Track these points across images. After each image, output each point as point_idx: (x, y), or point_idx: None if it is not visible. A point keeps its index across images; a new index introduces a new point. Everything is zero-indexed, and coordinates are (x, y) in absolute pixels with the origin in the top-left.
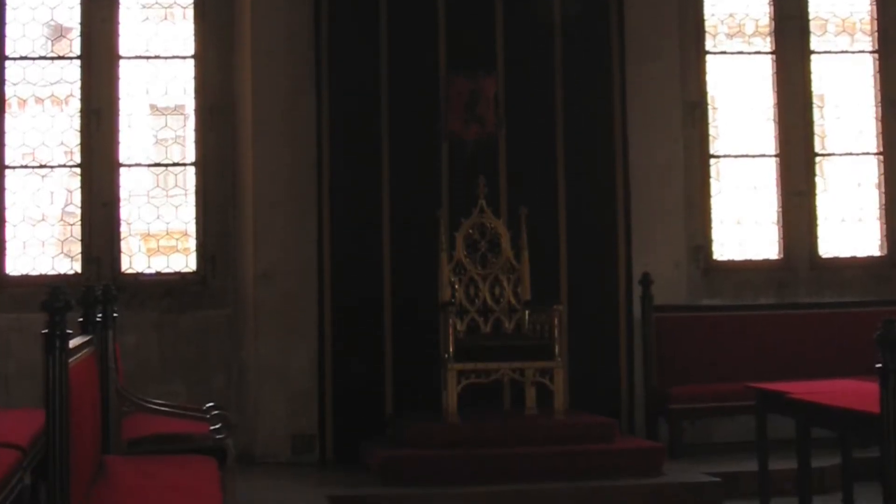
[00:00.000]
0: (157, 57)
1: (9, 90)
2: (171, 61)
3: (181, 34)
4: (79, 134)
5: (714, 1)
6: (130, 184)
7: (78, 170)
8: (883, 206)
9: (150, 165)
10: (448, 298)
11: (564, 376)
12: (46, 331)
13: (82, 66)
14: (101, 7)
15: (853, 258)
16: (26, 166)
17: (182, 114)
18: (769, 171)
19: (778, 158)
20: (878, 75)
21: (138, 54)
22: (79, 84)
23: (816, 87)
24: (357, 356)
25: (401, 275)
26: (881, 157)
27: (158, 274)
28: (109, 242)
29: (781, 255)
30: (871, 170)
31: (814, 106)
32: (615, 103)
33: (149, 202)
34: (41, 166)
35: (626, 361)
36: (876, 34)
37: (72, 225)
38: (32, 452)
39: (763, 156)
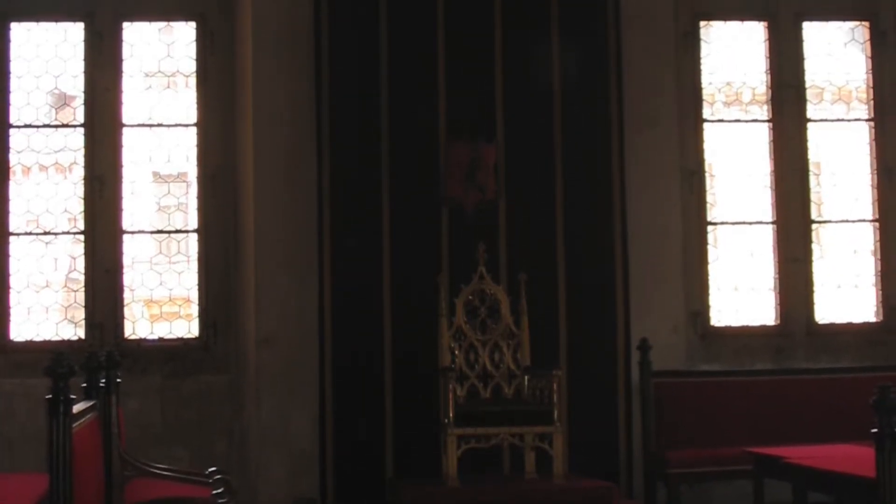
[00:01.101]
0: (159, 125)
1: (13, 158)
2: (173, 129)
3: (184, 102)
4: (82, 201)
5: (712, 69)
6: (133, 250)
7: (81, 236)
8: (878, 273)
9: (152, 232)
10: (448, 364)
11: (564, 441)
12: (50, 396)
13: (86, 134)
14: (105, 76)
15: (849, 324)
16: (30, 233)
17: (184, 181)
18: (766, 237)
19: (775, 225)
20: (873, 143)
21: (141, 122)
22: (82, 151)
23: (813, 154)
24: (358, 420)
25: (401, 340)
26: (877, 224)
27: (161, 339)
28: (113, 308)
29: (778, 321)
30: (866, 237)
31: (810, 173)
32: (614, 170)
33: (152, 268)
34: (45, 233)
35: (625, 426)
36: (872, 102)
37: (75, 291)
38: None
39: (760, 223)
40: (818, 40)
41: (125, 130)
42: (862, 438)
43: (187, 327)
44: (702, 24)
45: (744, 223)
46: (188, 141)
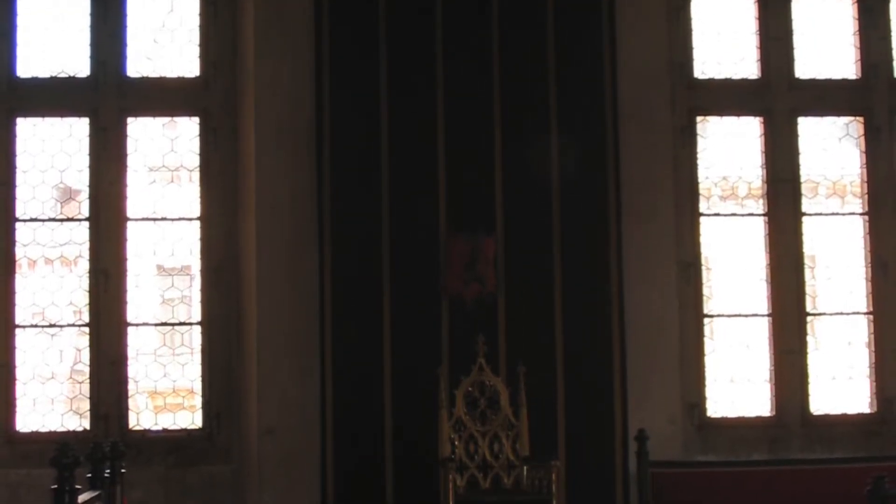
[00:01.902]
0: (163, 219)
1: (19, 251)
2: (177, 223)
3: (187, 196)
4: (87, 294)
5: (708, 164)
6: (138, 342)
7: (86, 329)
8: (872, 365)
9: (156, 325)
10: (448, 454)
11: None
12: (56, 486)
13: (91, 228)
14: (109, 170)
15: (844, 415)
16: (36, 325)
17: (188, 274)
18: (762, 329)
19: (770, 318)
20: (868, 236)
21: (145, 216)
22: (87, 245)
23: (808, 247)
24: None
25: (402, 430)
26: (871, 317)
27: (165, 430)
28: (117, 400)
29: (774, 412)
30: (860, 329)
31: (805, 266)
32: (612, 262)
33: (156, 360)
34: (51, 325)
35: None
36: (866, 196)
37: (80, 383)
38: None
39: (756, 315)
40: (813, 135)
41: (129, 224)
42: None
43: (191, 418)
44: (698, 119)
45: (740, 315)
46: (192, 234)
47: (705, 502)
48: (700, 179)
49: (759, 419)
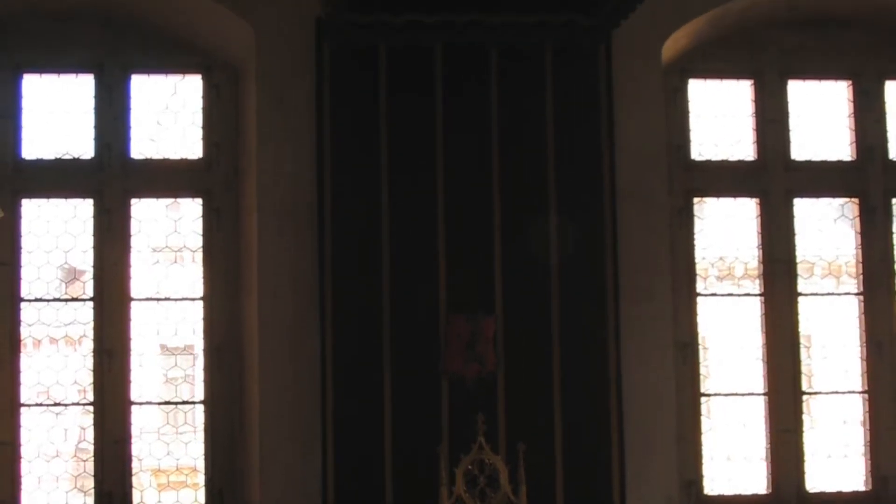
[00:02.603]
0: (167, 299)
1: (24, 331)
2: (180, 303)
3: (190, 276)
4: (91, 373)
5: (705, 244)
6: (141, 421)
7: (91, 408)
8: (868, 443)
9: (160, 403)
10: None
11: None
12: None
13: (95, 308)
14: (113, 251)
15: (839, 493)
16: (41, 404)
17: (191, 353)
18: (758, 408)
19: (766, 397)
20: (863, 316)
21: (149, 296)
22: (92, 325)
23: (804, 327)
24: None
25: None
26: (866, 396)
27: None
28: (121, 478)
29: (770, 490)
30: (856, 408)
31: (801, 346)
32: (610, 342)
33: (159, 439)
34: (55, 404)
35: None
36: (861, 277)
37: (85, 461)
38: None
39: (752, 394)
40: (809, 216)
41: (133, 304)
42: None
43: (194, 496)
44: (696, 200)
45: (736, 394)
46: (194, 314)
47: None
48: (697, 260)
49: (755, 497)
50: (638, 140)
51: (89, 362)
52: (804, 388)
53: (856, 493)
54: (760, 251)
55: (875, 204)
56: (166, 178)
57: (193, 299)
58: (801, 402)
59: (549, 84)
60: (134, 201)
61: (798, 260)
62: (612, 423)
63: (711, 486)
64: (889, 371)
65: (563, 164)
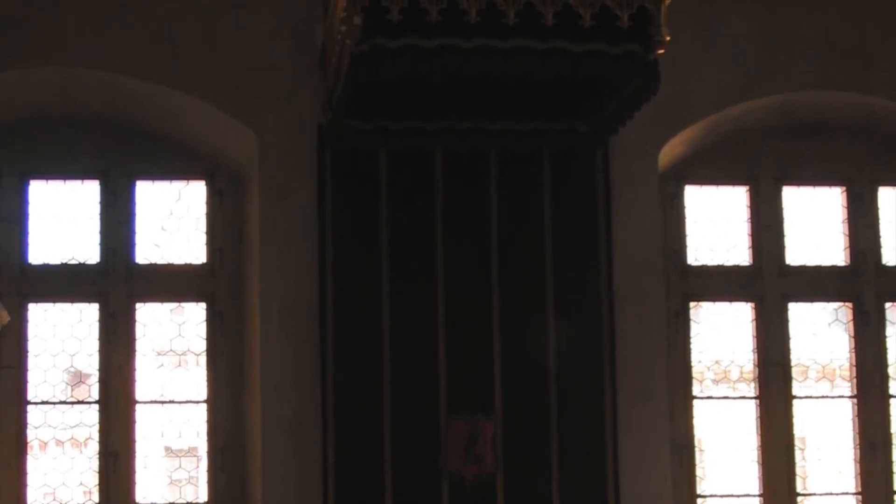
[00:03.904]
0: (171, 401)
1: (31, 433)
2: (184, 405)
3: (194, 379)
4: (97, 475)
5: (701, 348)
6: None
7: None
8: None
9: None
10: None
11: None
12: None
13: (100, 410)
14: (119, 354)
15: None
16: None
17: (195, 455)
18: None
19: (762, 498)
20: (856, 419)
21: (153, 399)
22: (97, 427)
23: (798, 430)
24: None
25: None
26: (860, 497)
27: None
28: None
29: None
30: None
31: (796, 448)
32: (608, 443)
33: None
34: None
35: None
36: (854, 380)
37: None
38: None
39: (748, 495)
40: (803, 320)
41: (138, 407)
42: None
43: None
44: (692, 304)
45: (732, 496)
46: (198, 416)
47: None
48: (693, 363)
49: None
50: (635, 244)
51: (95, 464)
52: (799, 489)
53: None
54: (756, 354)
55: (868, 308)
56: (170, 283)
57: (197, 402)
58: (795, 503)
59: (547, 188)
60: (139, 305)
61: (793, 363)
62: None
63: None
64: (882, 472)
65: (561, 266)
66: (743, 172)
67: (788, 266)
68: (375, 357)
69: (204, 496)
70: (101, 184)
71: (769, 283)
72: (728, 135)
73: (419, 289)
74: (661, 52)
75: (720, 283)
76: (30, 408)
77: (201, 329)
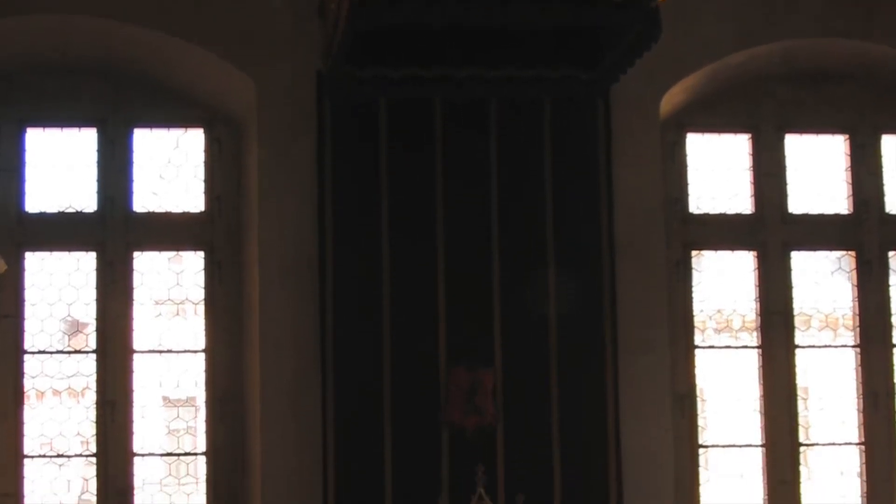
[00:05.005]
0: (169, 351)
1: (27, 383)
2: (182, 355)
3: (192, 329)
4: (94, 424)
5: (703, 297)
6: (144, 472)
7: (94, 459)
8: (864, 495)
9: (162, 455)
10: None
11: None
12: None
13: (98, 360)
14: (116, 303)
15: None
16: (44, 455)
17: (193, 405)
18: (756, 460)
19: (764, 448)
20: (859, 368)
21: (151, 348)
22: (94, 377)
23: (801, 379)
24: None
25: None
26: (863, 448)
27: None
28: None
29: None
30: (852, 459)
31: (798, 398)
32: (608, 394)
33: (161, 490)
34: (58, 455)
35: None
36: (857, 329)
37: None
38: None
39: (750, 446)
40: (806, 269)
41: (136, 356)
42: None
43: None
44: (693, 253)
45: (734, 446)
46: (197, 366)
47: None
48: (695, 312)
49: None
50: (636, 193)
51: (92, 414)
52: (801, 439)
53: None
54: (758, 304)
55: (871, 257)
56: (169, 232)
57: (195, 352)
58: (798, 453)
59: (547, 137)
60: (136, 254)
61: (795, 312)
62: (611, 475)
63: None
64: (885, 423)
65: (561, 216)
66: (745, 120)
67: (791, 214)
68: (375, 308)
69: (202, 446)
70: (98, 132)
71: (771, 232)
72: (730, 82)
73: (419, 240)
74: None
75: (722, 232)
76: (27, 357)
77: (200, 278)
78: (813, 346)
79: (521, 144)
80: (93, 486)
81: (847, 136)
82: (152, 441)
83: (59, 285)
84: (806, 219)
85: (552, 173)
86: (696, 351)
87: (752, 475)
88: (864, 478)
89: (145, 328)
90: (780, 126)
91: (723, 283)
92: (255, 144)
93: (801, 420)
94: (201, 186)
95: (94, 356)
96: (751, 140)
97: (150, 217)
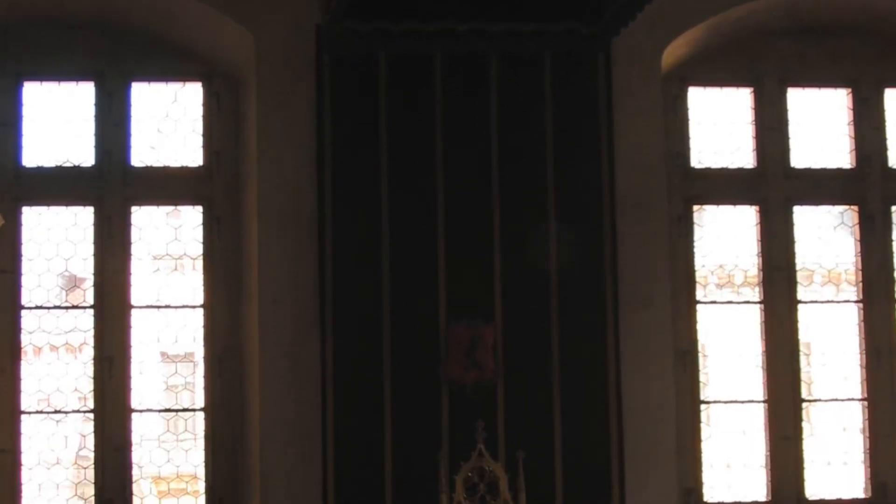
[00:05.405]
0: (167, 306)
1: (25, 338)
2: (181, 310)
3: (191, 284)
4: (92, 380)
5: (704, 252)
6: (142, 428)
7: (91, 415)
8: (867, 451)
9: (160, 411)
10: None
11: None
12: None
13: (95, 315)
14: (114, 258)
15: (839, 500)
16: (41, 411)
17: (191, 361)
18: (758, 416)
19: (766, 404)
20: (862, 324)
21: (149, 304)
22: (92, 332)
23: (803, 335)
24: None
25: None
26: (865, 403)
27: None
28: (122, 485)
29: (770, 498)
30: (855, 415)
31: (801, 353)
32: (609, 350)
33: (159, 446)
34: (56, 411)
35: None
36: (860, 285)
37: (85, 468)
38: None
39: (752, 401)
40: (808, 224)
41: (134, 312)
42: None
43: (194, 503)
44: (695, 208)
45: (736, 402)
46: (195, 322)
47: None
48: (697, 267)
49: None
50: (637, 148)
51: (90, 370)
52: (804, 395)
53: (855, 501)
54: (760, 259)
55: (874, 212)
56: (167, 186)
57: (194, 307)
58: (800, 409)
59: (548, 92)
60: (134, 209)
61: (798, 267)
62: (612, 431)
63: (711, 494)
64: (888, 378)
65: (562, 171)
66: (747, 74)
67: (793, 169)
68: (374, 263)
69: (200, 402)
70: (96, 85)
71: (773, 187)
72: (732, 36)
73: (419, 194)
74: None
75: (724, 187)
76: (24, 313)
77: (198, 233)
78: (815, 302)
79: (521, 99)
80: (90, 442)
81: (850, 89)
82: (150, 397)
83: (56, 240)
84: (808, 173)
85: (553, 128)
86: (698, 306)
87: (753, 431)
88: (867, 433)
89: (143, 283)
90: (782, 80)
91: (725, 239)
92: (253, 99)
93: (803, 376)
94: (200, 141)
95: (91, 312)
96: (753, 94)
97: (148, 171)
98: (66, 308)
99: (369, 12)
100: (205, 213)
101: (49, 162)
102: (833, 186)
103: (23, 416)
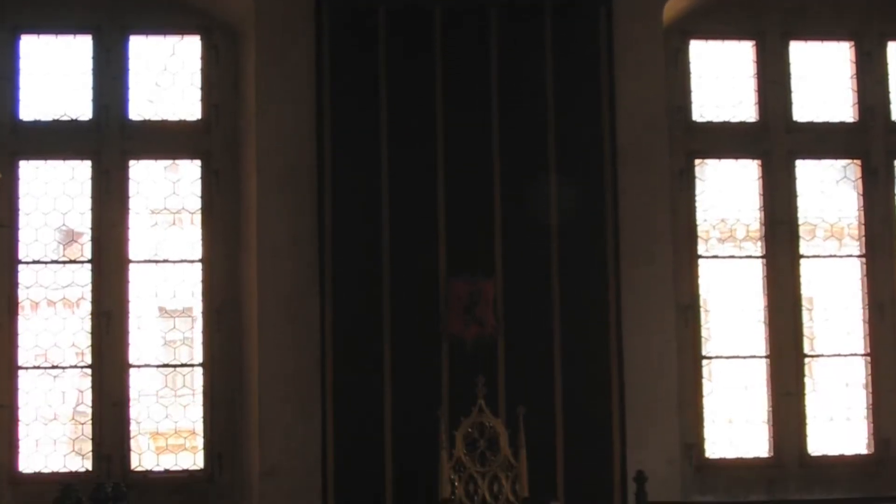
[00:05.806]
0: (165, 261)
1: (22, 293)
2: (179, 265)
3: (189, 238)
4: (90, 336)
5: (706, 206)
6: (140, 384)
7: (89, 370)
8: (870, 406)
9: (158, 366)
10: (448, 495)
11: None
12: None
13: (93, 270)
14: (112, 212)
15: (841, 456)
16: (39, 367)
17: (190, 316)
18: (760, 371)
19: (768, 359)
20: (864, 279)
21: (147, 258)
22: (90, 287)
23: (805, 290)
24: None
25: (402, 471)
26: (868, 359)
27: (167, 471)
28: (119, 441)
29: (772, 454)
30: (858, 370)
31: (803, 308)
32: (611, 305)
33: (158, 402)
34: (53, 367)
35: None
36: (863, 239)
37: (83, 424)
38: None
39: (754, 356)
40: (811, 178)
41: (132, 266)
42: None
43: (193, 459)
44: (697, 162)
45: (738, 357)
46: (193, 276)
47: None
48: (698, 222)
49: (757, 460)
50: (638, 102)
51: (87, 325)
52: (806, 350)
53: (857, 456)
54: (762, 213)
55: (877, 166)
56: (165, 140)
57: (192, 261)
58: (802, 364)
59: (549, 46)
60: (132, 163)
61: (800, 222)
62: (613, 386)
63: (713, 450)
64: (891, 334)
65: (563, 126)
66: (749, 27)
67: (795, 122)
68: (374, 218)
69: (199, 357)
70: (93, 38)
71: (776, 140)
72: None
73: (419, 149)
74: None
75: (726, 140)
76: (21, 267)
77: (196, 187)
78: (818, 256)
79: (521, 53)
80: (88, 397)
81: (853, 42)
82: (148, 352)
83: (53, 194)
84: (811, 127)
85: (553, 81)
86: (700, 261)
87: (755, 386)
88: (870, 389)
89: (141, 238)
90: (784, 33)
91: (726, 193)
92: (252, 52)
93: (805, 331)
94: (198, 94)
95: (89, 266)
96: (755, 47)
97: (146, 125)
98: (64, 263)
99: None
100: (203, 167)
101: (46, 116)
102: (836, 140)
103: (20, 372)
